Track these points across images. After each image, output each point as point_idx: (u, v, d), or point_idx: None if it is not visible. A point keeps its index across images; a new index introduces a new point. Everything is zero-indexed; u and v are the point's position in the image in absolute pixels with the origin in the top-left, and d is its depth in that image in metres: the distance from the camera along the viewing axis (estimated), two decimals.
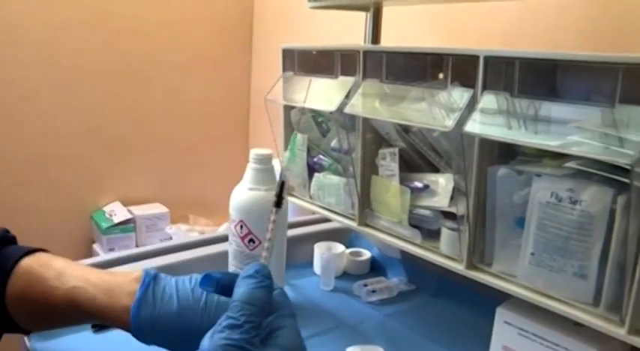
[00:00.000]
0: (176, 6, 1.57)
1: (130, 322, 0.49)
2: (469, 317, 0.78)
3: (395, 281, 0.88)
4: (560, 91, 0.53)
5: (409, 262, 0.91)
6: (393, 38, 0.90)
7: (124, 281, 0.51)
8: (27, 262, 0.54)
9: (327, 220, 1.03)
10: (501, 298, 0.62)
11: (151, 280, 0.51)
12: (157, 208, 1.60)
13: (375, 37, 0.90)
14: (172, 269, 0.80)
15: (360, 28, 0.91)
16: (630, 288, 0.48)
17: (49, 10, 1.39)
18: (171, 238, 1.46)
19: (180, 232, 1.52)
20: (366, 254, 0.95)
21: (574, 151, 0.48)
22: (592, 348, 0.54)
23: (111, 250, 1.49)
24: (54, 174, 1.49)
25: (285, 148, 0.84)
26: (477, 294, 0.77)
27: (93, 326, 0.71)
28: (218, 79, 1.71)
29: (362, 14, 0.90)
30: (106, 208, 1.57)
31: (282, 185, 0.49)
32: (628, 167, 0.46)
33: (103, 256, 0.83)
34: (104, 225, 1.49)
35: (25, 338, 0.68)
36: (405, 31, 0.98)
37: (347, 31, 1.00)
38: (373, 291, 0.84)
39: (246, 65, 1.75)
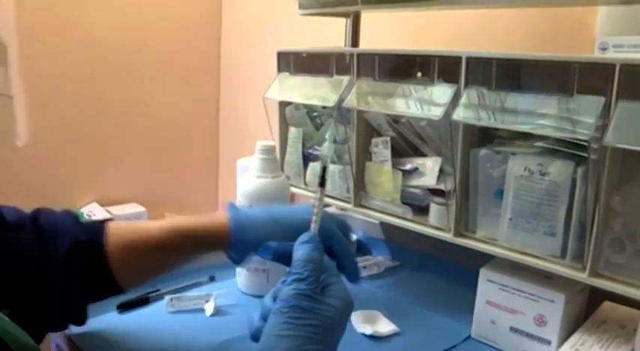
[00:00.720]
0: (146, 11, 1.63)
1: (231, 222, 0.60)
2: (449, 286, 0.89)
3: (381, 259, 0.99)
4: (524, 85, 0.65)
5: (391, 241, 1.02)
6: (367, 41, 1.01)
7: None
8: (113, 226, 0.61)
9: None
10: (475, 268, 0.73)
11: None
12: (135, 208, 1.65)
13: (355, 40, 1.00)
14: None
15: (324, 32, 1.01)
16: (589, 241, 0.61)
17: (23, 17, 1.43)
18: None
19: None
20: (352, 237, 1.05)
21: (543, 132, 0.60)
22: (560, 293, 0.66)
23: None
24: (29, 176, 1.52)
25: (280, 140, 0.93)
26: (455, 267, 0.89)
27: (118, 307, 0.78)
28: (189, 83, 1.77)
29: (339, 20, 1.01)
30: (84, 209, 1.61)
31: (324, 169, 0.58)
32: (585, 143, 0.58)
33: None
34: None
35: None
36: (378, 34, 1.08)
37: (314, 35, 1.10)
38: (364, 267, 0.94)
39: (215, 70, 1.82)
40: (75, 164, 1.60)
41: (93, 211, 1.59)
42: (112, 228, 0.61)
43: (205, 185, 1.88)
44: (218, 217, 0.62)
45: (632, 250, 0.58)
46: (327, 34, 1.04)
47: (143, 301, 0.79)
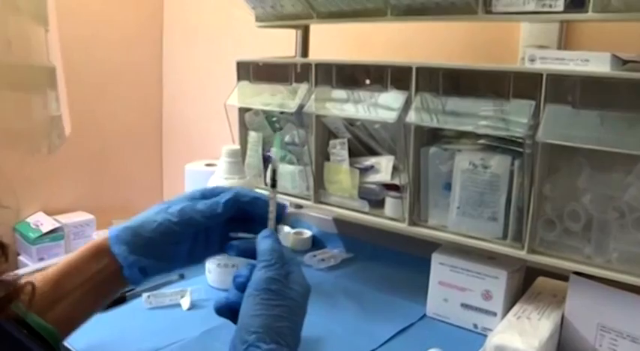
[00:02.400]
0: (91, 20, 1.64)
1: (109, 240, 0.57)
2: (402, 273, 0.98)
3: (336, 251, 1.07)
4: (467, 91, 0.75)
5: (344, 235, 1.10)
6: (314, 50, 1.09)
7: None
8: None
9: None
10: (425, 256, 0.83)
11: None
12: (83, 216, 1.65)
13: (305, 51, 1.08)
14: None
15: (269, 41, 1.09)
16: (526, 223, 0.71)
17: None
18: None
19: None
20: (308, 233, 1.12)
21: (484, 131, 0.70)
22: (502, 270, 0.76)
23: (41, 259, 1.52)
24: None
25: (241, 144, 1.00)
26: (406, 255, 0.99)
27: None
28: (132, 92, 1.79)
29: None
30: (30, 219, 1.59)
31: (274, 171, 0.63)
32: (520, 140, 0.68)
33: (58, 258, 0.91)
34: (32, 235, 1.52)
35: None
36: (325, 44, 1.16)
37: (260, 44, 1.17)
38: (322, 259, 1.02)
39: (158, 79, 1.84)
40: (19, 172, 1.58)
41: (40, 221, 1.57)
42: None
43: (151, 190, 1.89)
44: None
45: (561, 228, 0.69)
46: (276, 43, 1.11)
47: (121, 300, 0.83)
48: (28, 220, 1.58)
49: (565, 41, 0.96)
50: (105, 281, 0.58)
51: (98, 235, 1.49)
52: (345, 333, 0.78)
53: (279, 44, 1.10)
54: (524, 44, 0.98)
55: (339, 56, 1.03)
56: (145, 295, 0.83)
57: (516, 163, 0.71)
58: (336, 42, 1.20)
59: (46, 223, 1.55)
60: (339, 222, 1.11)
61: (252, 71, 0.96)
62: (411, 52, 1.11)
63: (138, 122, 1.83)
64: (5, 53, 1.02)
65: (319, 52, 1.10)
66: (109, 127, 1.75)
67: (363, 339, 0.77)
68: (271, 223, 0.61)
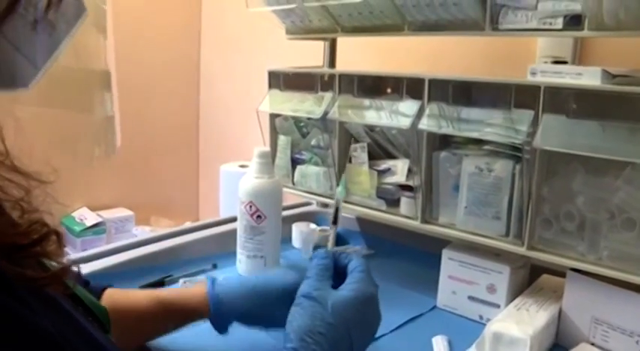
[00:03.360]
0: (138, 28, 1.76)
1: (208, 296, 0.65)
2: (417, 268, 1.05)
3: (358, 248, 1.15)
4: (475, 101, 0.82)
5: (366, 233, 1.18)
6: (342, 61, 1.18)
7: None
8: (109, 290, 0.67)
9: (297, 205, 1.28)
10: (438, 253, 0.89)
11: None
12: (123, 212, 1.77)
13: (332, 60, 1.17)
14: (180, 249, 1.02)
15: (300, 51, 1.17)
16: (526, 222, 0.78)
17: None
18: None
19: (145, 233, 1.70)
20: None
21: (489, 138, 0.78)
22: (506, 266, 0.83)
23: (84, 250, 1.63)
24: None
25: (271, 147, 1.09)
26: (421, 252, 1.06)
27: (140, 288, 0.91)
28: (172, 97, 1.91)
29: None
30: (75, 214, 1.72)
31: (337, 209, 0.71)
32: (520, 146, 0.75)
33: (104, 247, 1.00)
34: (77, 228, 1.65)
35: None
36: (352, 55, 1.25)
37: (290, 54, 1.26)
38: None
39: (195, 86, 1.95)
40: (66, 171, 1.70)
41: (84, 215, 1.70)
42: (106, 294, 0.66)
43: (187, 190, 2.01)
44: (198, 291, 0.67)
45: (557, 227, 0.76)
46: (304, 52, 1.20)
47: (160, 284, 0.93)
48: (74, 214, 1.71)
49: (580, 54, 1.02)
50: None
51: (136, 230, 1.61)
52: None
53: (309, 54, 1.19)
54: (541, 56, 1.04)
55: (365, 67, 1.11)
56: (181, 280, 0.92)
57: (517, 167, 0.77)
58: (362, 53, 1.28)
59: (90, 218, 1.67)
60: (361, 221, 1.19)
61: (282, 80, 1.05)
62: (433, 64, 1.19)
63: (177, 126, 1.95)
64: (71, 59, 1.14)
65: (346, 63, 1.19)
66: (150, 130, 1.87)
67: None
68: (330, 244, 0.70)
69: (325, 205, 1.26)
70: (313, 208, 1.28)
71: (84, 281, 0.66)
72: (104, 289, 0.67)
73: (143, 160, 1.88)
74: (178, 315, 0.67)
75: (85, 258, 0.93)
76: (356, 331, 0.56)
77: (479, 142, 0.81)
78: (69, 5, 0.40)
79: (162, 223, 1.84)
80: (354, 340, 0.55)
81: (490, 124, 0.78)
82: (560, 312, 0.79)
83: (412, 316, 0.88)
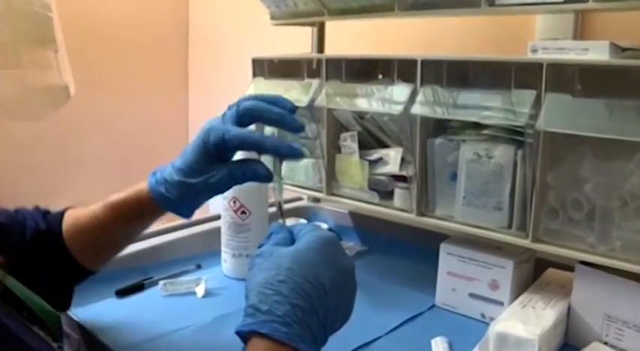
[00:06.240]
0: (117, 23, 1.70)
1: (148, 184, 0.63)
2: (414, 265, 0.98)
3: (351, 244, 1.09)
4: (471, 83, 0.76)
5: (360, 228, 1.12)
6: (331, 47, 1.12)
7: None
8: (70, 209, 0.68)
9: (288, 201, 1.22)
10: (437, 248, 0.83)
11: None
12: None
13: (321, 46, 1.10)
14: (161, 249, 0.96)
15: (290, 38, 1.11)
16: (530, 212, 0.72)
17: None
18: None
19: None
20: (324, 226, 1.14)
21: (487, 121, 0.71)
22: (509, 260, 0.77)
23: None
24: (8, 185, 1.56)
25: None
26: (418, 248, 1.00)
27: (116, 293, 0.85)
28: (160, 94, 1.84)
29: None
30: None
31: (280, 205, 0.63)
32: (521, 130, 0.69)
33: None
34: None
35: None
36: (341, 40, 1.18)
37: (282, 42, 1.20)
38: None
39: (184, 80, 1.90)
40: (51, 171, 1.64)
41: None
42: (68, 215, 0.67)
43: None
44: (141, 185, 0.66)
45: (565, 217, 0.70)
46: (294, 40, 1.14)
47: (139, 287, 0.87)
48: None
49: (580, 32, 0.96)
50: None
51: None
52: (352, 320, 0.80)
53: (297, 42, 1.12)
54: (540, 37, 0.98)
55: (356, 52, 1.05)
56: (161, 282, 0.86)
57: (519, 152, 0.71)
58: (352, 40, 1.22)
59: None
60: (354, 215, 1.12)
61: (266, 68, 0.98)
62: (427, 48, 1.12)
63: (165, 119, 1.89)
64: (22, 82, 1.07)
65: (336, 49, 1.12)
66: (138, 127, 1.81)
67: (370, 327, 0.78)
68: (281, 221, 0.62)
69: (317, 200, 1.20)
70: (304, 203, 1.22)
71: (43, 212, 0.67)
72: (64, 211, 0.67)
73: (131, 158, 1.82)
74: (132, 214, 0.65)
75: None
76: (325, 270, 0.48)
77: (477, 126, 0.75)
78: None
79: (166, 220, 1.78)
80: (326, 283, 0.47)
81: (489, 107, 0.72)
82: (569, 309, 0.72)
83: (409, 316, 0.82)
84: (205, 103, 1.86)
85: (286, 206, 1.20)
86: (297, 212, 1.18)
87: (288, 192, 1.09)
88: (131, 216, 0.66)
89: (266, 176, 0.60)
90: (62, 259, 0.66)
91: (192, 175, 0.61)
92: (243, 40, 1.61)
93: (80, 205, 0.69)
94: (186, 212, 0.65)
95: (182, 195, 0.62)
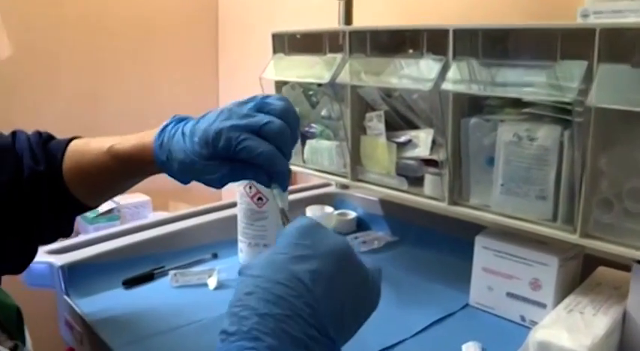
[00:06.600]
0: (142, 5, 1.65)
1: (154, 143, 0.58)
2: (447, 258, 0.90)
3: (380, 234, 1.01)
4: (510, 54, 0.66)
5: (391, 217, 1.03)
6: (360, 20, 1.03)
7: (152, 131, 0.60)
8: (72, 145, 0.63)
9: (314, 187, 1.15)
10: (473, 239, 0.75)
11: (173, 120, 0.60)
12: (139, 197, 1.67)
13: (348, 19, 1.02)
14: (175, 236, 0.90)
15: (318, 13, 1.02)
16: (579, 202, 0.62)
17: (23, 10, 1.45)
18: None
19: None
20: (352, 214, 1.07)
21: (529, 97, 0.62)
22: (553, 257, 0.67)
23: None
24: None
25: None
26: (452, 238, 0.91)
27: (124, 283, 0.80)
28: (189, 73, 1.80)
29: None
30: None
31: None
32: (569, 107, 0.59)
33: (89, 235, 0.91)
34: (90, 215, 1.56)
35: (66, 297, 0.77)
36: (371, 12, 1.09)
37: (308, 16, 1.11)
38: (364, 242, 0.96)
39: (214, 59, 1.84)
40: None
41: None
42: (70, 151, 0.63)
43: None
44: (147, 140, 0.60)
45: (620, 209, 0.60)
46: (323, 17, 1.06)
47: (148, 277, 0.81)
48: None
49: None
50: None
51: (154, 216, 1.50)
52: (374, 320, 0.72)
53: (326, 19, 1.04)
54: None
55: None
56: (171, 273, 0.81)
57: (566, 133, 0.61)
58: (381, 12, 1.13)
59: (103, 204, 1.58)
60: (384, 203, 1.04)
61: (287, 43, 0.91)
62: (462, 17, 1.02)
63: (195, 101, 1.84)
64: None
65: (366, 23, 1.04)
66: (169, 109, 1.77)
67: (394, 327, 0.71)
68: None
69: (345, 187, 1.12)
70: (332, 189, 1.15)
71: (44, 139, 0.64)
72: (67, 145, 0.64)
73: None
74: (135, 167, 0.61)
75: (63, 248, 0.83)
76: (303, 264, 0.41)
77: (517, 104, 0.65)
78: None
79: (181, 208, 1.74)
80: (305, 278, 0.40)
81: (530, 82, 0.62)
82: (624, 315, 0.63)
83: (439, 316, 0.74)
84: (235, 84, 1.80)
85: (312, 193, 1.13)
86: (323, 199, 1.10)
87: (318, 178, 1.02)
88: (134, 168, 0.62)
89: (265, 181, 0.53)
90: (61, 197, 0.63)
91: (194, 163, 0.55)
92: (272, 19, 1.53)
93: (82, 139, 0.65)
94: (185, 181, 0.60)
95: (182, 171, 0.57)
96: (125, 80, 1.67)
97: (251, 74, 1.49)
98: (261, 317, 0.38)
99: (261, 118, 0.52)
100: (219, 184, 0.56)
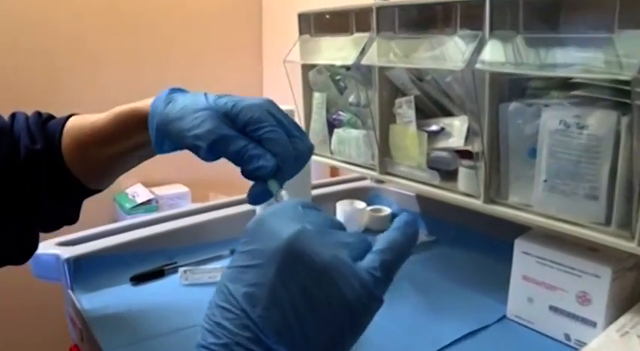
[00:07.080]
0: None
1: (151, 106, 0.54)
2: (486, 261, 0.81)
3: None
4: (555, 27, 0.56)
5: (428, 215, 0.94)
6: None
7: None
8: (70, 121, 0.60)
9: (349, 180, 1.07)
10: (513, 242, 0.65)
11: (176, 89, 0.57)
12: (178, 188, 1.65)
13: None
14: (191, 230, 0.85)
15: None
16: (638, 203, 0.52)
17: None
18: None
19: None
20: (386, 210, 0.98)
21: (578, 75, 0.52)
22: (606, 267, 0.57)
23: None
24: None
25: (304, 106, 0.88)
26: (493, 241, 0.81)
27: (131, 279, 0.76)
28: (231, 61, 1.76)
29: None
30: (129, 190, 1.62)
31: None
32: (628, 87, 0.49)
33: (131, 220, 0.88)
34: (128, 205, 1.54)
35: (70, 291, 0.73)
36: None
37: None
38: None
39: (257, 44, 1.79)
40: None
41: (137, 192, 1.60)
42: (67, 127, 0.60)
43: None
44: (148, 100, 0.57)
45: None
46: None
47: (158, 273, 0.76)
48: (127, 191, 1.62)
49: None
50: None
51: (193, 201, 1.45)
52: (398, 329, 0.64)
53: None
54: None
55: None
56: (181, 270, 0.75)
57: (624, 120, 0.51)
58: None
59: (142, 195, 1.56)
60: (421, 199, 0.95)
61: (313, 24, 0.83)
62: None
63: (239, 90, 1.80)
64: None
65: None
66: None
67: (419, 339, 0.63)
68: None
69: (381, 181, 1.04)
70: (367, 183, 1.07)
71: (44, 119, 0.61)
72: (65, 122, 0.61)
73: None
74: (132, 126, 0.57)
75: (74, 240, 0.79)
76: (241, 275, 0.35)
77: (565, 85, 0.55)
78: None
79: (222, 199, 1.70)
80: (238, 295, 0.34)
81: (580, 57, 0.52)
82: None
83: (472, 328, 0.65)
84: (279, 69, 1.74)
85: (346, 186, 1.06)
86: (356, 194, 1.02)
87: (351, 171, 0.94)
88: (131, 126, 0.57)
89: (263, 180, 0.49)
90: (61, 177, 0.59)
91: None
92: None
93: (79, 115, 0.62)
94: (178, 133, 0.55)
95: (181, 117, 0.53)
96: (167, 67, 1.65)
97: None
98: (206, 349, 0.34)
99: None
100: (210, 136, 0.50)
